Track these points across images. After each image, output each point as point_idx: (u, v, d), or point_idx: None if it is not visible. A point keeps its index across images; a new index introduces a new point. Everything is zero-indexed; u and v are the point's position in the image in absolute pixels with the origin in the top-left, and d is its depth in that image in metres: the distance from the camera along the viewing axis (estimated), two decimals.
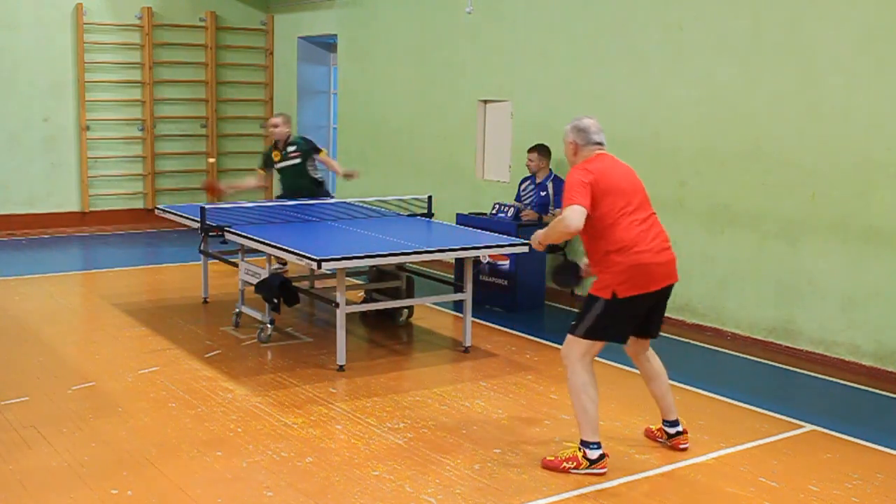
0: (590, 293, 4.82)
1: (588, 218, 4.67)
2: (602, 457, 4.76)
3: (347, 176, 8.98)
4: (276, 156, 9.06)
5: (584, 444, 4.75)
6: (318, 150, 9.06)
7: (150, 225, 12.34)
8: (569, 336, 4.85)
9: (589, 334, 4.77)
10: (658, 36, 7.96)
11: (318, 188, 9.12)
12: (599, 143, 4.89)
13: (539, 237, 4.97)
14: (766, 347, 7.21)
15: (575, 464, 4.73)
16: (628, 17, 8.20)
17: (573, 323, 4.86)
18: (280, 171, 9.09)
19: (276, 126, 9.03)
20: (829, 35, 6.75)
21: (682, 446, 5.14)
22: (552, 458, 4.81)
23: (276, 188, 9.95)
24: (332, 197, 9.75)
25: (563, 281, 5.40)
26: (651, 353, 5.12)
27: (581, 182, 4.71)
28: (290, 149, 8.98)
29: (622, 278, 4.69)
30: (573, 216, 4.62)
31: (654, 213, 4.89)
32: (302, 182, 9.01)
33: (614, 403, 5.83)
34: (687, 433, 5.19)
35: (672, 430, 5.16)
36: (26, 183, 11.79)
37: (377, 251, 6.42)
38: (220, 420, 5.41)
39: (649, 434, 5.33)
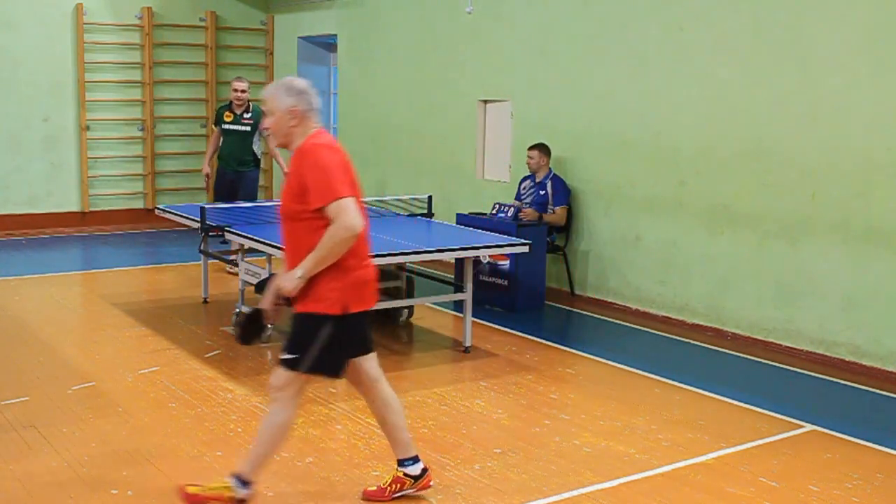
0: (308, 312, 3.89)
1: (319, 209, 3.78)
2: (247, 483, 4.08)
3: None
4: (228, 117, 9.30)
5: (238, 478, 4.09)
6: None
7: (150, 225, 12.33)
8: (285, 372, 3.97)
9: (315, 369, 3.95)
10: (658, 36, 7.96)
11: (256, 164, 9.53)
12: (317, 112, 3.99)
13: (306, 270, 3.82)
14: (766, 347, 7.21)
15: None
16: (628, 17, 8.20)
17: (291, 356, 3.93)
18: (227, 133, 9.25)
19: (243, 91, 9.24)
20: (829, 35, 6.75)
21: (431, 483, 4.38)
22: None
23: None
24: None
25: (249, 335, 4.29)
26: (380, 372, 4.23)
27: (342, 164, 3.82)
28: (246, 115, 9.25)
29: (355, 288, 3.92)
30: (353, 215, 3.74)
31: None
32: (244, 151, 9.38)
33: (614, 403, 5.82)
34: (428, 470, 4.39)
35: (418, 470, 4.33)
36: (26, 183, 11.78)
37: (377, 251, 6.40)
38: (220, 420, 5.41)
39: (379, 494, 4.32)
